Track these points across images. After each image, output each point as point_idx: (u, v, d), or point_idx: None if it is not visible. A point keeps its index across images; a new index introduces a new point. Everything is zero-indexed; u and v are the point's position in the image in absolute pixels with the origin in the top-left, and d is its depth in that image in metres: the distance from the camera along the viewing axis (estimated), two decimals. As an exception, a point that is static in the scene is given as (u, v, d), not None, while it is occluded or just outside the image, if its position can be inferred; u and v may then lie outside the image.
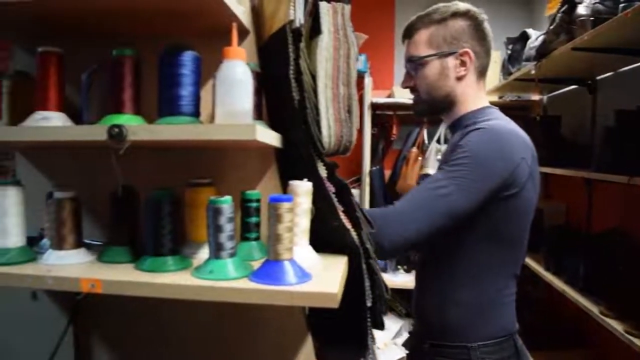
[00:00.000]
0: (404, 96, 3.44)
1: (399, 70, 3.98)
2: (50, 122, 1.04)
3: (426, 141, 3.65)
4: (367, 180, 3.61)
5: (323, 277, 0.98)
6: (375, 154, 3.80)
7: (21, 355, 1.33)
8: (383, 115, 3.84)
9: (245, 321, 1.24)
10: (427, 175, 3.43)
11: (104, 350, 1.33)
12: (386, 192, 3.70)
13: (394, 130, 3.80)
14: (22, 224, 1.09)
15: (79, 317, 1.30)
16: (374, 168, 3.68)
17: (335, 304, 0.89)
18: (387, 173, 3.81)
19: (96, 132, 0.94)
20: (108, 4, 1.01)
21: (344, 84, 1.13)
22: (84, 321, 1.32)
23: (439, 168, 1.37)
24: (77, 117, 1.12)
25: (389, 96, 3.75)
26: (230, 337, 1.25)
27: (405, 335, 3.26)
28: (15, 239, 1.08)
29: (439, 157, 3.49)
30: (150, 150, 1.20)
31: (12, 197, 1.07)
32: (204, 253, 1.10)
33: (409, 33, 1.53)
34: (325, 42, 1.10)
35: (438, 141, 3.53)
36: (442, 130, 3.53)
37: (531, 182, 1.38)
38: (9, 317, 1.32)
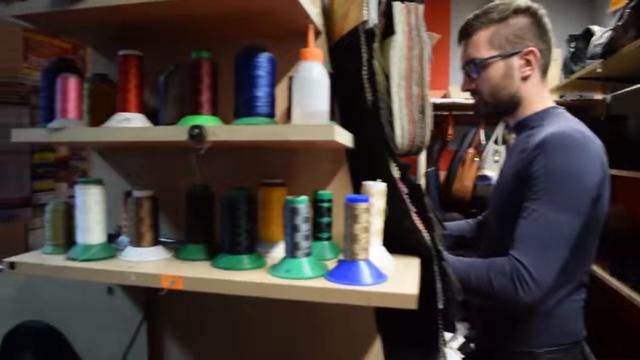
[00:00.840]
0: (460, 96, 3.39)
1: (455, 70, 3.92)
2: (131, 123, 1.07)
3: (483, 142, 3.58)
4: (422, 181, 3.57)
5: (398, 278, 0.97)
6: (431, 154, 3.75)
7: (98, 347, 1.37)
8: (439, 116, 3.79)
9: (314, 321, 1.25)
10: (484, 177, 3.37)
11: (175, 345, 1.37)
12: (441, 194, 3.65)
13: (450, 131, 3.75)
14: (103, 222, 1.13)
15: (152, 312, 1.34)
16: (430, 169, 3.63)
17: (413, 305, 0.89)
18: (443, 174, 3.76)
19: (177, 133, 0.97)
20: (186, 9, 1.04)
21: (418, 84, 1.12)
22: (157, 317, 1.36)
23: (531, 198, 1.28)
24: (152, 118, 1.15)
25: (445, 96, 3.70)
26: (299, 336, 1.26)
27: (460, 340, 3.22)
28: (97, 235, 1.12)
29: (497, 158, 3.42)
30: (223, 150, 1.22)
31: (94, 195, 1.11)
32: (276, 252, 1.11)
33: (467, 34, 1.48)
34: (398, 42, 1.10)
35: (495, 142, 3.46)
36: (499, 130, 3.45)
37: (606, 186, 1.33)
38: (86, 310, 1.37)
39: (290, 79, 1.07)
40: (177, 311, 1.35)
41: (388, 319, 1.20)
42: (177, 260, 1.10)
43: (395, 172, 1.08)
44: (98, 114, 1.17)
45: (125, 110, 1.09)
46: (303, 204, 0.97)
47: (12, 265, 1.09)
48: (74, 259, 1.08)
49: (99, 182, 1.13)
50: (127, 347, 1.31)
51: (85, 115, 1.18)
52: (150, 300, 1.34)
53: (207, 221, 1.13)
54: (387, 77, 1.11)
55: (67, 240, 1.17)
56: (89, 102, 1.19)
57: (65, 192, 2.51)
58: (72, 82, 1.11)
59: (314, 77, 0.95)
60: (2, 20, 2.01)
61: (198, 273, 0.99)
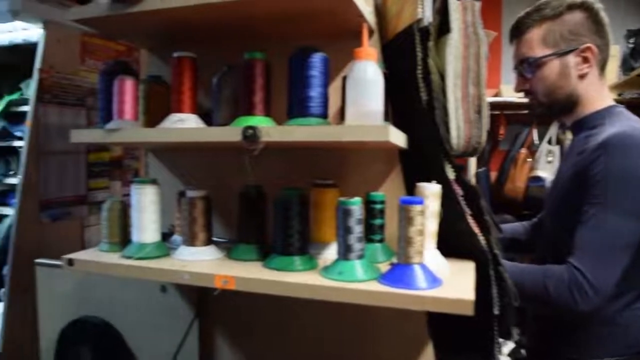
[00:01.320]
0: (512, 95, 3.30)
1: (507, 68, 3.82)
2: (185, 123, 1.08)
3: (536, 141, 3.47)
4: (472, 182, 3.49)
5: (454, 282, 0.95)
6: (482, 155, 3.67)
7: (151, 344, 1.40)
8: (490, 115, 3.70)
9: (365, 324, 1.23)
10: (537, 178, 3.27)
11: (226, 344, 1.38)
12: (492, 195, 3.56)
13: (501, 130, 3.65)
14: (158, 221, 1.15)
15: (204, 311, 1.36)
16: (480, 170, 3.55)
17: (469, 312, 0.86)
18: (493, 175, 3.67)
19: (231, 134, 0.97)
20: (241, 11, 1.04)
21: (474, 83, 1.09)
22: (209, 315, 1.37)
23: (591, 202, 1.22)
24: (206, 119, 1.16)
25: (496, 95, 3.61)
26: (349, 339, 1.25)
27: (510, 345, 3.13)
28: (151, 234, 1.14)
29: (550, 158, 3.31)
30: (275, 151, 1.22)
31: (149, 194, 1.13)
32: (327, 253, 1.10)
33: (519, 32, 1.43)
34: (454, 40, 1.07)
35: (549, 142, 3.35)
36: (553, 130, 3.34)
37: None
38: (140, 307, 1.40)
39: (344, 78, 1.06)
40: (228, 310, 1.36)
41: (440, 325, 1.17)
42: (230, 260, 1.11)
43: (450, 174, 1.06)
44: (153, 115, 1.19)
45: (179, 111, 1.10)
46: (356, 205, 0.96)
47: (70, 262, 1.12)
48: (128, 257, 1.10)
49: (153, 181, 1.14)
50: (179, 344, 1.32)
51: (141, 116, 1.20)
52: (202, 298, 1.35)
53: (260, 221, 1.13)
54: (442, 77, 1.09)
55: (122, 238, 1.19)
56: (144, 104, 1.21)
57: (119, 191, 2.58)
58: (128, 84, 1.13)
59: (368, 76, 0.93)
60: (61, 24, 2.09)
61: (250, 273, 0.99)
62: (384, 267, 1.01)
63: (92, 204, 2.43)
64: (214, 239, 1.20)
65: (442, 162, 1.05)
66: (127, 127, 1.10)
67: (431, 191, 1.03)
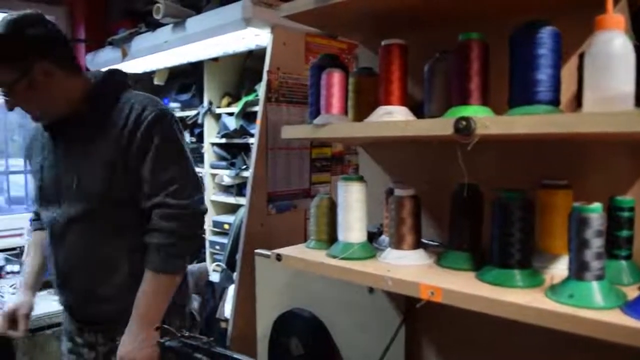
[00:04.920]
0: None
1: None
2: (393, 116, 1.00)
3: None
4: None
5: None
6: None
7: (356, 344, 1.36)
8: None
9: (601, 357, 1.01)
10: None
11: (434, 357, 1.27)
12: None
13: None
14: (364, 220, 1.09)
15: (413, 317, 1.27)
16: None
17: None
18: None
19: (441, 126, 0.87)
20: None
21: None
22: (418, 322, 1.28)
23: None
24: (417, 111, 1.06)
25: None
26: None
27: None
28: (357, 234, 1.09)
29: None
30: (495, 145, 1.07)
31: (356, 192, 1.08)
32: (556, 268, 0.92)
33: None
34: None
35: None
36: None
37: None
38: (347, 305, 1.37)
39: (580, 56, 0.87)
40: (438, 320, 1.24)
41: None
42: (438, 268, 1.00)
43: None
44: (363, 108, 1.14)
45: (387, 103, 1.03)
46: (596, 213, 0.77)
47: (278, 257, 1.13)
48: (333, 257, 1.07)
49: (360, 179, 1.09)
50: (385, 349, 1.26)
51: (350, 110, 1.16)
52: (410, 304, 1.26)
53: (475, 226, 1.00)
54: None
55: (329, 236, 1.17)
56: (353, 97, 1.16)
57: (339, 186, 2.65)
58: (336, 77, 1.09)
59: (614, 50, 0.73)
60: (286, 27, 2.19)
61: (461, 286, 0.87)
62: (631, 292, 0.80)
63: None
64: (424, 240, 1.11)
65: None
66: (333, 122, 1.05)
67: None
